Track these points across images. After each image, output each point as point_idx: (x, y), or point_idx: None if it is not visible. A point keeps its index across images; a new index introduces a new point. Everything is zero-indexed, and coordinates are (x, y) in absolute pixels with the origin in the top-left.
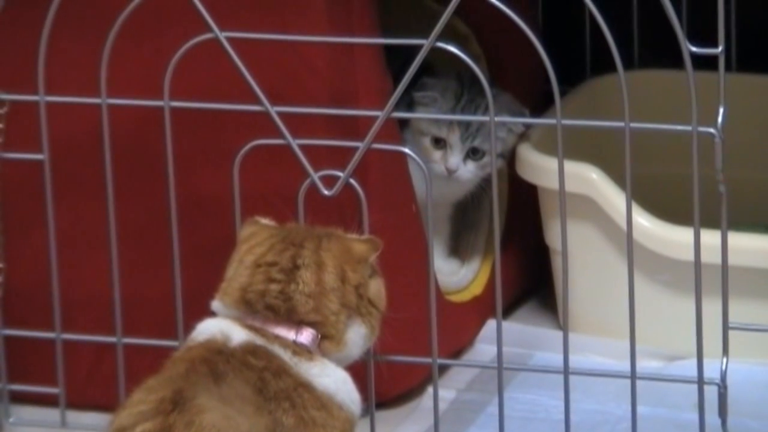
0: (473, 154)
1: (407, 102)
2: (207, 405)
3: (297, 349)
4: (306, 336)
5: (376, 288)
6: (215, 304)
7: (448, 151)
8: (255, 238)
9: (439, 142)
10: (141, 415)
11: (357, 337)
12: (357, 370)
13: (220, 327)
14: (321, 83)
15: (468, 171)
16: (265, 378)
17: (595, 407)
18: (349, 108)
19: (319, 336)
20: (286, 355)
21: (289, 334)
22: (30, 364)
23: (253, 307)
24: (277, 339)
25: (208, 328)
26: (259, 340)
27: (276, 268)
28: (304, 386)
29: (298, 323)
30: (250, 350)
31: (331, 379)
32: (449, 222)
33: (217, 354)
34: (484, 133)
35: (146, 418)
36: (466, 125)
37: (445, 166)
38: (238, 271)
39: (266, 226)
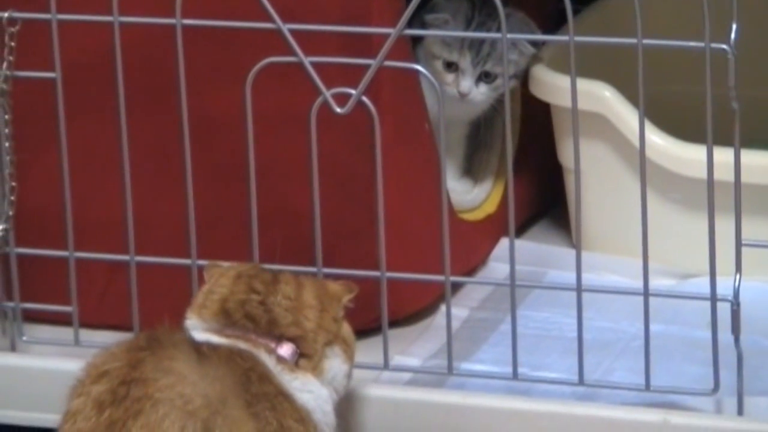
0: (485, 77)
1: (419, 24)
2: (183, 358)
3: (280, 357)
4: (286, 350)
5: (348, 330)
6: (189, 322)
7: (459, 75)
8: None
9: (450, 66)
10: (112, 356)
11: (337, 369)
12: (369, 287)
13: (204, 337)
14: (334, 2)
15: (480, 93)
16: (250, 377)
17: (608, 325)
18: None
19: (298, 353)
20: (270, 362)
21: (270, 344)
22: (43, 284)
23: (233, 317)
24: (261, 345)
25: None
26: (242, 345)
27: (257, 280)
28: (285, 396)
29: (279, 337)
30: (235, 351)
31: (313, 395)
32: (463, 141)
33: (201, 344)
34: (495, 57)
35: (117, 358)
36: (477, 50)
37: (458, 90)
38: (219, 282)
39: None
